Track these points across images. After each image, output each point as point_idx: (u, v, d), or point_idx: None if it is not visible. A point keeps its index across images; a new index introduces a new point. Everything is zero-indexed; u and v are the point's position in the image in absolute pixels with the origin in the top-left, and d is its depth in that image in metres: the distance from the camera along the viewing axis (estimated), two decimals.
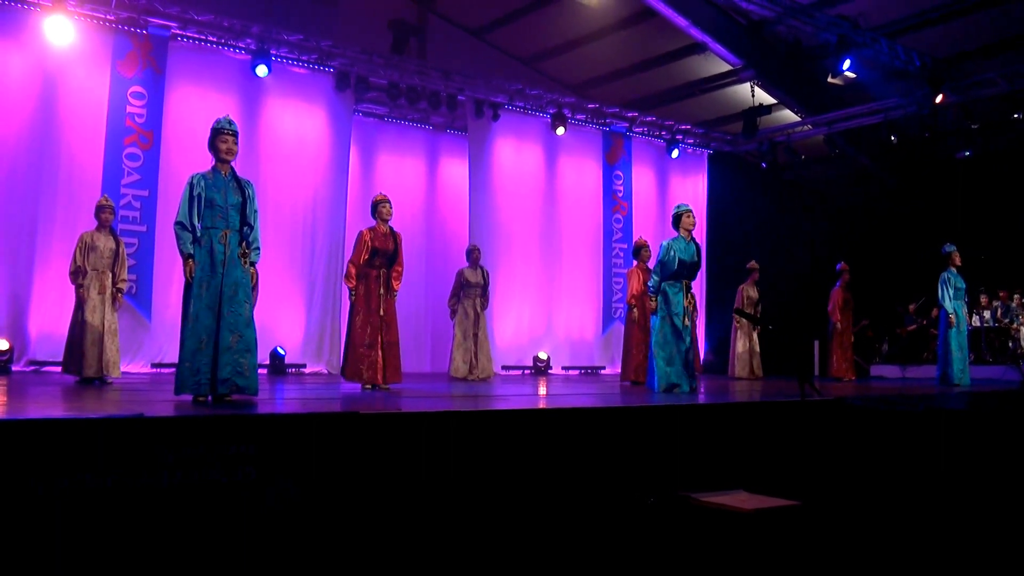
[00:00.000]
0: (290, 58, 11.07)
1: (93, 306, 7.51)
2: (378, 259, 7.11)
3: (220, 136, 5.06)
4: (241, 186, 5.07)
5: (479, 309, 10.10)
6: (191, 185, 4.99)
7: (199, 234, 4.96)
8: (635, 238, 10.99)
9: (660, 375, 7.19)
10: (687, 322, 7.22)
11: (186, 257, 4.92)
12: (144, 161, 9.88)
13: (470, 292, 10.05)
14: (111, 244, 7.70)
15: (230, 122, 5.14)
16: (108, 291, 7.64)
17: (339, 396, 6.15)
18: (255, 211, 5.13)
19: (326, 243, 11.10)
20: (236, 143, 5.12)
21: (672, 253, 7.26)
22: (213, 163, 5.10)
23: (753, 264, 11.77)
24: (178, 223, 4.97)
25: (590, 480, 4.27)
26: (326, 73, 11.31)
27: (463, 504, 3.84)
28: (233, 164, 5.19)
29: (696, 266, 7.37)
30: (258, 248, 5.14)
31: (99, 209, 7.81)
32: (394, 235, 7.23)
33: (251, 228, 5.07)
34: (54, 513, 2.93)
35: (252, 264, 5.05)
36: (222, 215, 4.97)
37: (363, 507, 3.58)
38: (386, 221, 7.20)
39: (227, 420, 3.54)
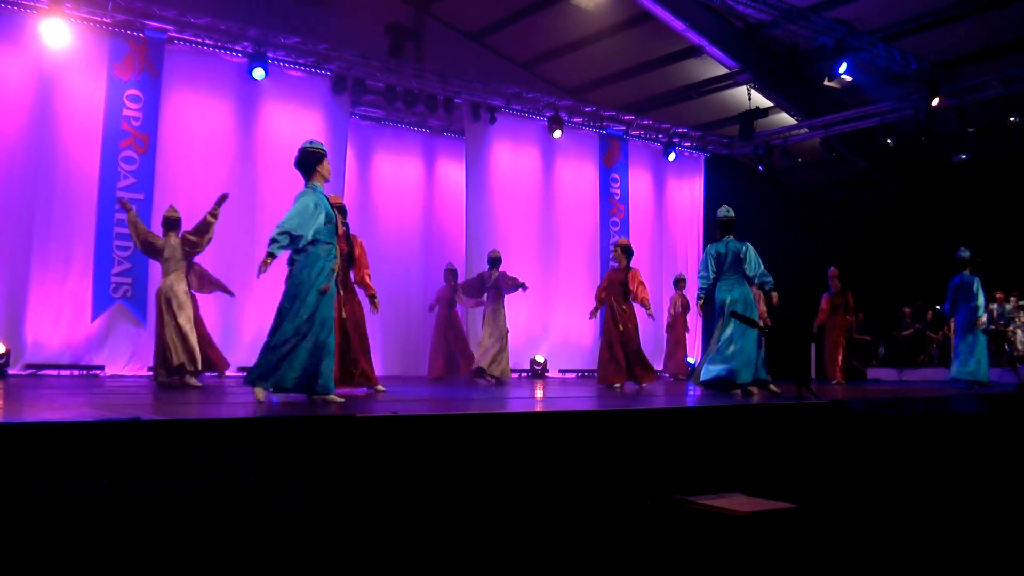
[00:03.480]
0: (287, 61, 11.06)
1: (179, 303, 7.49)
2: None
3: (324, 161, 5.56)
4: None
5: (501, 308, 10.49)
6: (316, 197, 5.38)
7: (317, 247, 5.33)
8: (630, 239, 11.00)
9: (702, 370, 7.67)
10: (728, 315, 7.53)
11: (270, 256, 5.17)
12: (140, 164, 9.86)
13: (492, 293, 10.52)
14: (174, 241, 7.66)
15: (323, 146, 5.67)
16: (184, 282, 7.69)
17: (339, 400, 6.13)
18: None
19: None
20: None
21: (708, 255, 7.91)
22: (312, 182, 5.51)
23: None
24: (286, 233, 5.17)
25: (587, 484, 4.27)
26: (323, 76, 11.31)
27: (461, 507, 3.83)
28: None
29: (736, 261, 7.75)
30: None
31: (169, 222, 7.70)
32: (349, 238, 7.01)
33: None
34: (49, 517, 2.92)
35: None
36: (331, 231, 5.43)
37: (363, 510, 3.58)
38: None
39: (225, 424, 3.54)
